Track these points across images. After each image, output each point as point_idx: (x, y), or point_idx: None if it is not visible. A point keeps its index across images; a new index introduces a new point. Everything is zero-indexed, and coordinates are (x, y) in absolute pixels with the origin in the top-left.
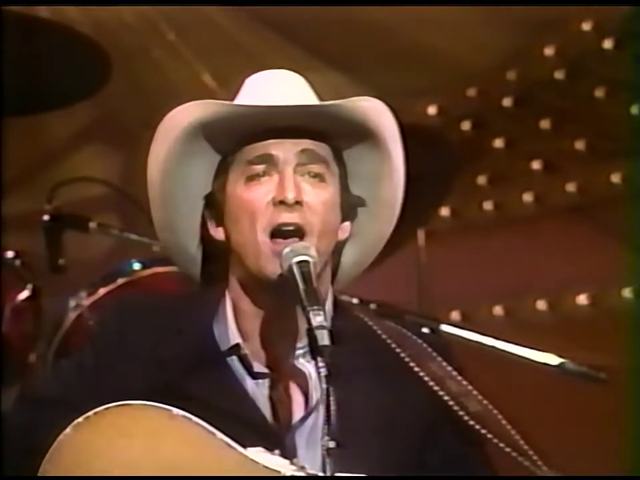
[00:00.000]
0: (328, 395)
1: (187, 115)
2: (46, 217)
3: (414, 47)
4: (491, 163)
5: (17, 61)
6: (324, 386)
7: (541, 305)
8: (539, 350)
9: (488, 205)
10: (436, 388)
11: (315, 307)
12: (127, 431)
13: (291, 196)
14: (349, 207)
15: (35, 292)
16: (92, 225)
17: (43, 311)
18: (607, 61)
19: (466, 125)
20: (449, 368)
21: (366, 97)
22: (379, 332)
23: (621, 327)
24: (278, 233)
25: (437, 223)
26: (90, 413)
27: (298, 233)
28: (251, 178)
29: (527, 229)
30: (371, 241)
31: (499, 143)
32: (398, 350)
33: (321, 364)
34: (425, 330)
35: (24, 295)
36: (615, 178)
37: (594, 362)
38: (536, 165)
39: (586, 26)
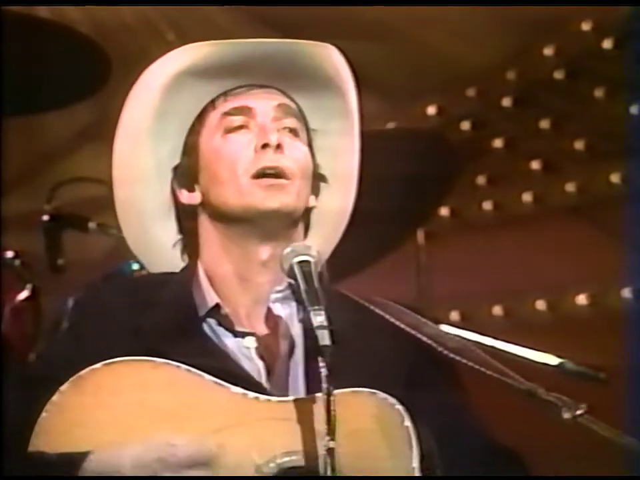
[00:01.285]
0: (329, 395)
1: (166, 66)
2: (45, 217)
3: (413, 46)
4: (490, 163)
5: (16, 61)
6: (324, 386)
7: (541, 304)
8: (538, 350)
9: (487, 205)
10: (413, 332)
11: (316, 307)
12: (114, 388)
13: (274, 138)
14: (315, 179)
15: (35, 292)
16: (91, 225)
17: (42, 310)
18: (607, 61)
19: (465, 125)
20: (423, 319)
21: (333, 47)
22: (349, 295)
23: (621, 326)
24: (262, 175)
25: (436, 223)
26: (74, 377)
27: (282, 175)
28: (229, 130)
29: (527, 229)
30: (333, 218)
31: (498, 142)
32: (372, 307)
33: (321, 364)
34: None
35: (23, 294)
36: (615, 178)
37: (593, 362)
38: (535, 164)
39: (585, 26)
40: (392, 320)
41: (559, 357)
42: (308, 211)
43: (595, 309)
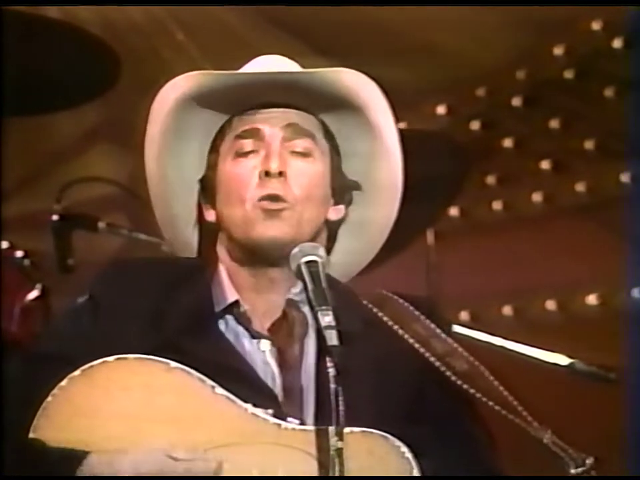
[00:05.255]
0: (337, 395)
1: (176, 88)
2: (55, 217)
3: (423, 46)
4: (500, 163)
5: (26, 61)
6: (333, 386)
7: (550, 304)
8: (549, 350)
9: (497, 205)
10: (421, 350)
11: (324, 307)
12: (125, 384)
13: (274, 166)
14: (342, 188)
15: (44, 292)
16: (101, 224)
17: (52, 310)
18: (617, 61)
19: (475, 125)
20: (433, 326)
21: (350, 70)
22: (358, 297)
23: (631, 326)
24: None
25: (446, 222)
26: (86, 366)
27: (283, 200)
28: (239, 154)
29: (536, 229)
30: (372, 230)
31: (508, 142)
32: (380, 314)
33: (329, 364)
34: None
35: (33, 294)
36: (625, 178)
37: (603, 362)
38: (545, 164)
39: (595, 25)
40: (400, 331)
41: (569, 357)
42: (330, 223)
43: (605, 309)
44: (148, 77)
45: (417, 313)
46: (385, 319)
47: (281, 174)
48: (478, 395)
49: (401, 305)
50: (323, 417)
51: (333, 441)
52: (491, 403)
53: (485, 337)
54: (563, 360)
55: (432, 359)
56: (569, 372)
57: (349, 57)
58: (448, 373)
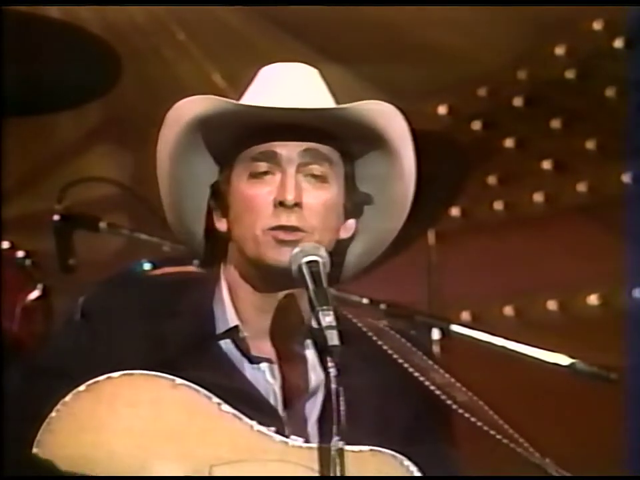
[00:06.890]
0: (338, 396)
1: (193, 108)
2: (56, 217)
3: (424, 46)
4: (501, 163)
5: (26, 61)
6: (334, 386)
7: (552, 305)
8: (550, 350)
9: (498, 205)
10: (421, 378)
11: (325, 307)
12: (130, 400)
13: (290, 197)
14: (355, 205)
15: (46, 292)
16: (102, 224)
17: (53, 310)
18: (618, 61)
19: (476, 125)
20: (430, 362)
21: (375, 101)
22: (360, 325)
23: (632, 327)
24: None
25: (447, 223)
26: (91, 382)
27: (299, 230)
28: (254, 175)
29: (538, 229)
30: (379, 237)
31: (509, 142)
32: (380, 342)
33: (330, 364)
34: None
35: (34, 294)
36: (626, 178)
37: (604, 362)
38: (546, 164)
39: (597, 25)
40: (400, 360)
41: (570, 357)
42: (341, 243)
43: (606, 309)
44: (149, 77)
45: (413, 348)
46: (385, 347)
47: (296, 204)
48: (479, 424)
49: (398, 339)
50: (326, 432)
51: (334, 440)
52: (492, 432)
53: (486, 337)
54: (563, 360)
55: (432, 387)
56: (569, 372)
57: (350, 57)
58: (449, 402)
